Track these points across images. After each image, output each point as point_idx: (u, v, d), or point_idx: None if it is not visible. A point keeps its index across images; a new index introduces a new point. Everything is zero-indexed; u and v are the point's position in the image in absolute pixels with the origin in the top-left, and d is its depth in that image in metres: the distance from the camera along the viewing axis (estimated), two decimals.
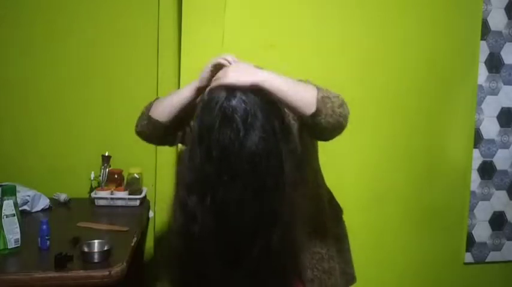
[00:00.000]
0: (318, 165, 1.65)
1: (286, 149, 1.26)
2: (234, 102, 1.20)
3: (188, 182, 1.23)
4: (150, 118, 1.48)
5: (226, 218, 1.20)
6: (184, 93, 1.43)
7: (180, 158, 1.32)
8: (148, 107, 1.51)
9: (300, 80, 1.43)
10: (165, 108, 1.46)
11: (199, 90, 1.40)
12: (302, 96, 1.29)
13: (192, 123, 1.32)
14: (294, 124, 1.49)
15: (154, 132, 1.51)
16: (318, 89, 1.32)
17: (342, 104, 1.33)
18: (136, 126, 1.54)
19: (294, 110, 1.32)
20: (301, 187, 1.38)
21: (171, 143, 1.64)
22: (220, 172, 1.18)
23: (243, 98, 1.21)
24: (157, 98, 1.54)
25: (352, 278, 1.69)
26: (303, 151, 1.54)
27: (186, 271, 1.29)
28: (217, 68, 1.34)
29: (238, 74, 1.27)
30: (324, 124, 1.29)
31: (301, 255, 1.43)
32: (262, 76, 1.27)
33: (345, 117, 1.33)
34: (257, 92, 1.25)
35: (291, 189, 1.26)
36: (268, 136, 1.20)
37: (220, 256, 1.23)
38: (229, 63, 1.34)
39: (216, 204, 1.19)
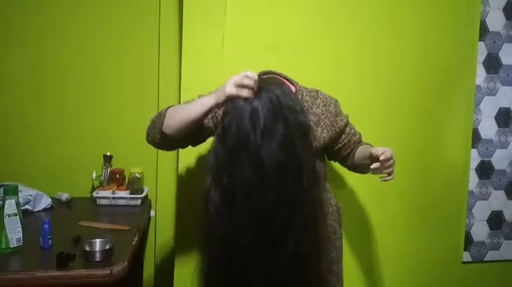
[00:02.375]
0: (326, 170, 1.68)
1: (305, 154, 1.29)
2: (259, 107, 1.23)
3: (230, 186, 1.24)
4: (163, 134, 1.47)
5: (261, 223, 1.22)
6: (196, 111, 1.38)
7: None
8: (161, 119, 1.47)
9: (347, 119, 1.66)
10: (177, 125, 1.43)
11: (214, 108, 1.36)
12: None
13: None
14: (321, 135, 1.57)
15: (167, 144, 1.53)
16: None
17: None
18: (148, 136, 1.53)
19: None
20: (320, 191, 1.41)
21: (182, 148, 1.67)
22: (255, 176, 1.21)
23: (267, 104, 1.24)
24: (168, 108, 1.50)
25: (342, 280, 1.71)
26: (321, 162, 1.60)
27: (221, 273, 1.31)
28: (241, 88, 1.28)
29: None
30: None
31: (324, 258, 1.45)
32: None
33: None
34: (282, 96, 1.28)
35: (313, 193, 1.30)
36: (288, 144, 1.23)
37: (253, 261, 1.25)
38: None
39: (251, 209, 1.22)
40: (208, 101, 1.34)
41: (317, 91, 1.62)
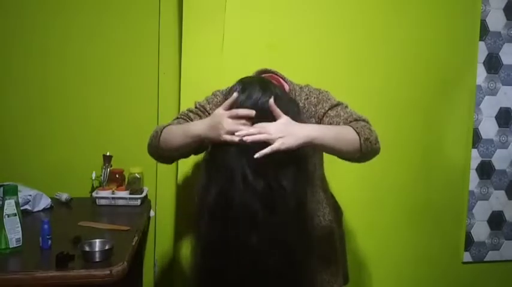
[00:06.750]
0: (323, 171, 1.67)
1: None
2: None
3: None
4: (160, 155, 1.53)
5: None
6: (186, 140, 1.41)
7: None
8: (156, 142, 1.50)
9: (337, 103, 1.54)
10: (170, 149, 1.47)
11: (203, 139, 1.39)
12: (348, 145, 1.38)
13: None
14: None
15: (167, 161, 1.62)
16: (358, 131, 1.39)
17: (377, 138, 1.44)
18: (149, 153, 1.58)
19: (341, 156, 1.44)
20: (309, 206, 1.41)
21: (185, 157, 1.69)
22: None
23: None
24: (163, 129, 1.50)
25: (347, 279, 1.71)
26: (316, 165, 1.59)
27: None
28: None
29: (285, 138, 1.28)
30: (363, 160, 1.44)
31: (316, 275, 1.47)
32: (310, 136, 1.31)
33: (379, 150, 1.46)
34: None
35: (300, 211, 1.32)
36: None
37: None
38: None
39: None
40: (197, 133, 1.37)
41: (304, 86, 1.61)
